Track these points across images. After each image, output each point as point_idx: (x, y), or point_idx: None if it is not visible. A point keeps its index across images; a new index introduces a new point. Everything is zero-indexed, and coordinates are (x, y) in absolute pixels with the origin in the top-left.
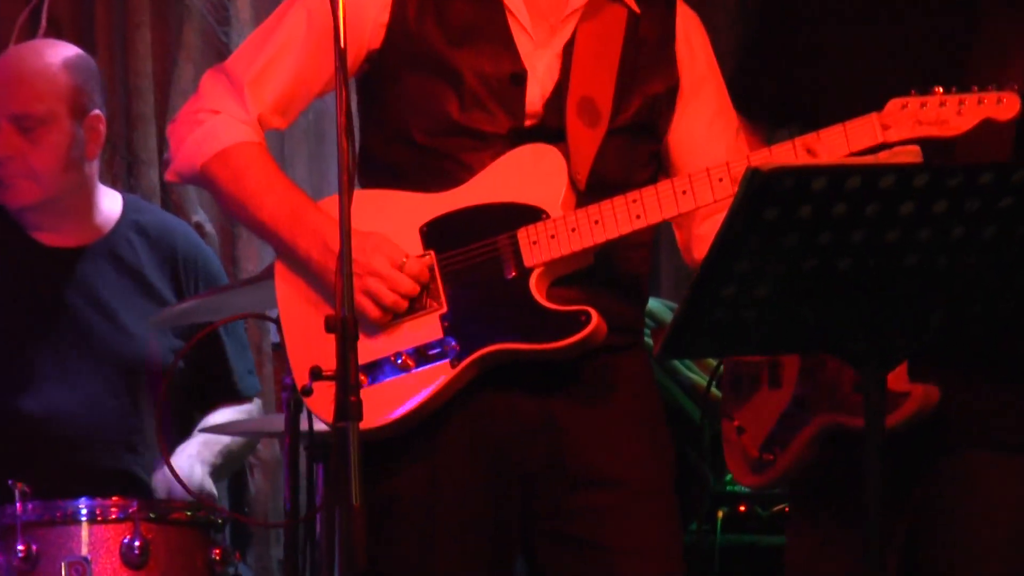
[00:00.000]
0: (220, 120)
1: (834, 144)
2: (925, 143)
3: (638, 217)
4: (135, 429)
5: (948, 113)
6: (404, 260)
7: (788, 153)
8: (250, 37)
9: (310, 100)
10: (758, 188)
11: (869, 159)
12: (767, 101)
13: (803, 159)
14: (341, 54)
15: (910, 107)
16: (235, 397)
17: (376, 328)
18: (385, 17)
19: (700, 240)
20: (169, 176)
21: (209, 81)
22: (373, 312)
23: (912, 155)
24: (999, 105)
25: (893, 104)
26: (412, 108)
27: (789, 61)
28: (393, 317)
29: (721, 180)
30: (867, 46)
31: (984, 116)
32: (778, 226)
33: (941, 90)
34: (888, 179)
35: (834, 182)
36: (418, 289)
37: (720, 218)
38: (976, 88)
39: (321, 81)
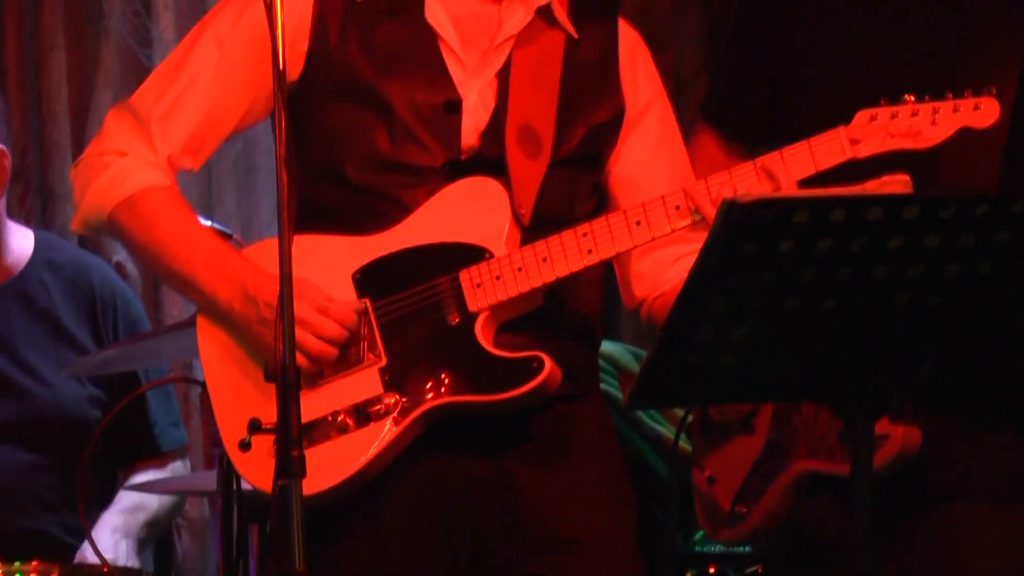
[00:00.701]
0: (127, 163)
1: (799, 163)
2: (902, 157)
3: (590, 252)
4: (49, 485)
5: (921, 123)
6: (328, 304)
7: (749, 174)
8: (156, 69)
9: (224, 138)
10: (735, 221)
11: (856, 189)
12: (749, 113)
13: (764, 182)
14: (280, 76)
15: (879, 118)
16: (157, 452)
17: (309, 385)
18: (304, 45)
19: (639, 278)
20: (75, 225)
21: (114, 120)
22: (300, 363)
23: (902, 185)
24: (976, 112)
25: (861, 116)
26: (338, 143)
27: (778, 63)
28: (325, 372)
29: (678, 208)
30: (861, 45)
31: (961, 124)
32: (757, 262)
33: (913, 98)
34: (876, 211)
35: (817, 215)
36: (345, 334)
37: (661, 254)
38: (951, 95)
39: (236, 116)
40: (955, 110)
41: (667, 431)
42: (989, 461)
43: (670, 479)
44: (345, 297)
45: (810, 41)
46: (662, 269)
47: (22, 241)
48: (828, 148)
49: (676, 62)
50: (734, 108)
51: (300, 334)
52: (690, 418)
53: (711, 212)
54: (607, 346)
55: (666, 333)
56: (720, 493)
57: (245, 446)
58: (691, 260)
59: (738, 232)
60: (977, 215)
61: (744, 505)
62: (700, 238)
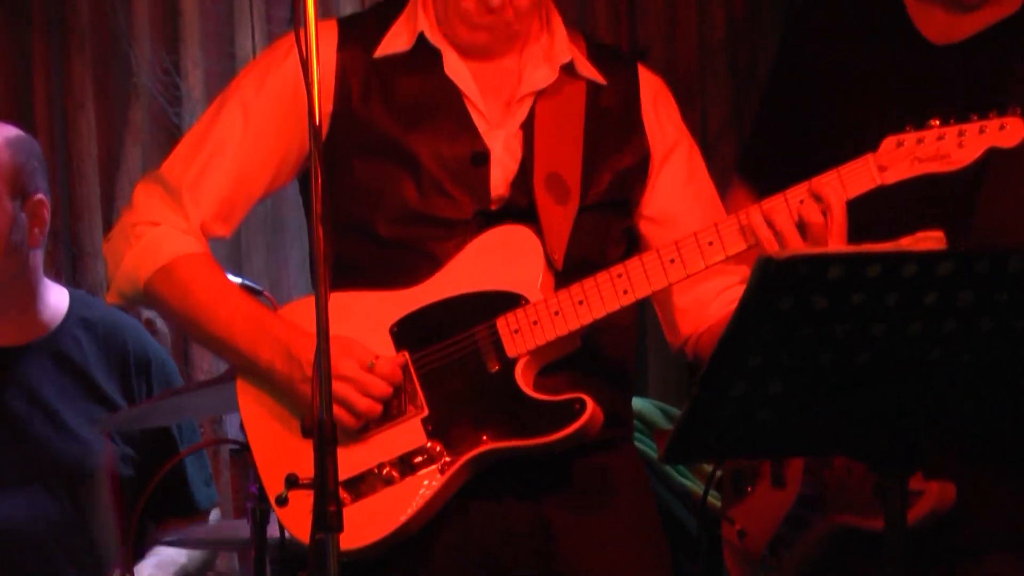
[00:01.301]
0: (160, 232)
1: (830, 191)
2: (942, 184)
3: (625, 292)
4: (78, 539)
5: (948, 146)
6: (374, 361)
7: (781, 206)
8: (184, 139)
9: (253, 202)
10: (771, 277)
11: (890, 245)
12: (781, 169)
13: (796, 209)
14: (315, 131)
15: (906, 144)
16: (191, 510)
17: (354, 439)
18: (328, 106)
19: (684, 314)
20: (110, 298)
21: (143, 191)
22: (347, 420)
23: (936, 241)
24: (1002, 131)
25: (888, 142)
26: (367, 199)
27: (807, 121)
28: (369, 425)
29: (711, 244)
30: (881, 91)
31: (988, 145)
32: (792, 317)
33: (938, 122)
34: (910, 267)
35: (852, 271)
36: (391, 391)
37: (703, 289)
38: (976, 116)
39: (264, 181)
40: (981, 131)
41: (695, 486)
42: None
43: (698, 532)
44: (383, 351)
45: (824, 99)
46: (706, 304)
47: (58, 298)
48: (858, 175)
49: (702, 120)
50: (767, 165)
51: (347, 392)
52: (719, 474)
53: (766, 233)
54: (636, 403)
55: (703, 388)
56: (751, 546)
57: (282, 501)
58: (734, 292)
59: (774, 287)
60: (1011, 271)
61: (776, 558)
62: (740, 270)
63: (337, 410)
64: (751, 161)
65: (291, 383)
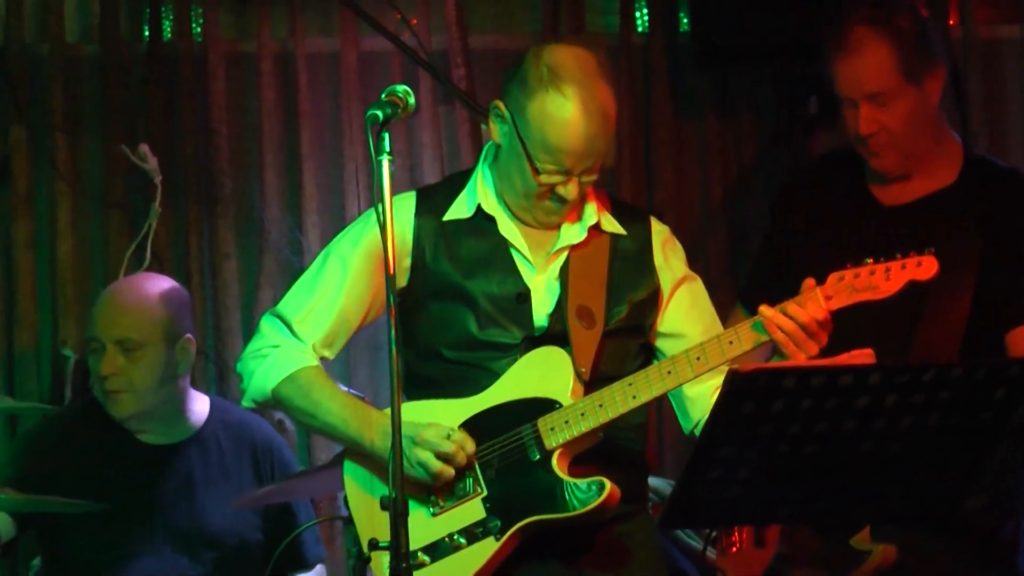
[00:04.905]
0: (282, 351)
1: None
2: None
3: (634, 397)
4: None
5: (878, 279)
6: (451, 431)
7: (747, 329)
8: (296, 284)
9: (351, 333)
10: (738, 386)
11: (829, 361)
12: (770, 296)
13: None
14: (391, 281)
15: (846, 278)
16: (304, 564)
17: (433, 514)
18: (408, 261)
19: (692, 403)
20: (244, 403)
21: (267, 323)
22: (426, 479)
23: (867, 357)
24: (919, 268)
25: (832, 277)
26: (439, 330)
27: (786, 262)
28: (442, 505)
29: (699, 359)
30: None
31: (908, 278)
32: (755, 418)
33: (872, 260)
34: (846, 378)
35: (801, 381)
36: (463, 455)
37: (707, 385)
38: (900, 256)
39: (359, 317)
40: (903, 267)
41: (697, 544)
42: (946, 569)
43: None
44: None
45: (802, 248)
46: (709, 396)
47: (201, 405)
48: (809, 303)
49: (705, 268)
50: (761, 295)
51: (426, 457)
52: (713, 534)
53: (776, 332)
54: (653, 481)
55: (686, 472)
56: None
57: (367, 559)
58: None
59: (740, 395)
60: (925, 380)
61: None
62: None
63: (418, 472)
64: (748, 292)
65: (385, 455)
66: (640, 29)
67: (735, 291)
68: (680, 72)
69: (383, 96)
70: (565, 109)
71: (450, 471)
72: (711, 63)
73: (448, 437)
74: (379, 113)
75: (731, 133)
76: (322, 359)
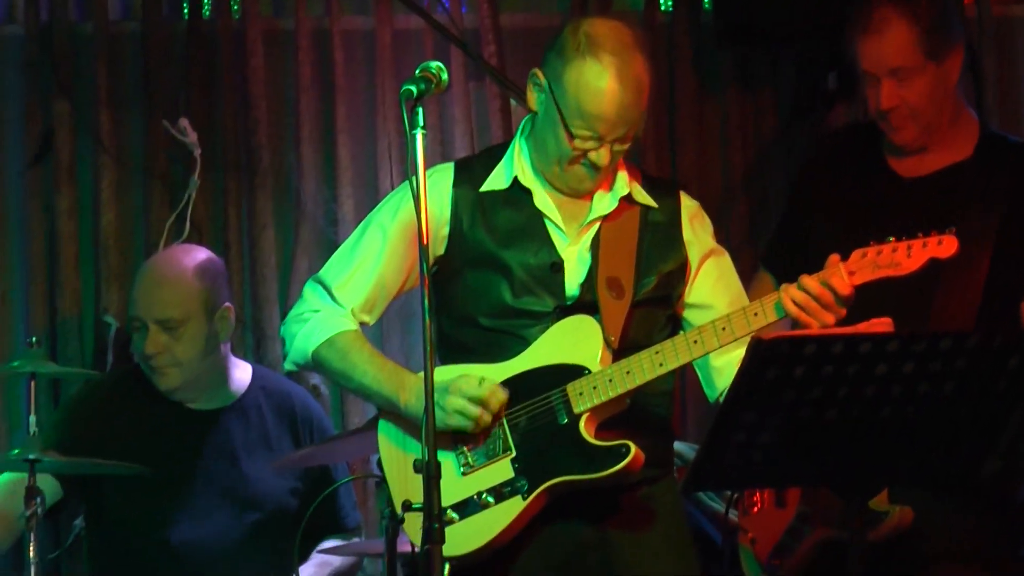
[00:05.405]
0: (323, 315)
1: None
2: (902, 312)
3: (661, 365)
4: (258, 549)
5: (900, 257)
6: (482, 379)
7: (771, 303)
8: (338, 251)
9: (390, 300)
10: (761, 353)
11: (850, 329)
12: (793, 262)
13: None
14: (423, 251)
15: (869, 255)
16: (341, 528)
17: (463, 473)
18: (445, 230)
19: (719, 373)
20: (286, 366)
21: (309, 289)
22: (464, 424)
23: (886, 326)
24: (940, 246)
25: (856, 254)
26: (475, 297)
27: (809, 229)
28: (472, 464)
29: (724, 329)
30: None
31: (929, 256)
32: (777, 384)
33: (893, 239)
34: (866, 346)
35: (822, 348)
36: (496, 400)
37: (729, 353)
38: (921, 234)
39: (397, 285)
40: (924, 246)
41: (720, 507)
42: (960, 528)
43: (723, 543)
44: None
45: (824, 217)
46: (735, 366)
47: (243, 373)
48: (834, 278)
49: (726, 238)
50: (783, 259)
51: (462, 404)
52: (736, 496)
53: (792, 307)
54: (677, 445)
55: (710, 436)
56: (760, 550)
57: (400, 519)
58: None
59: (763, 361)
60: (942, 348)
61: (778, 559)
62: None
63: (457, 419)
64: (772, 255)
65: (419, 415)
66: (664, 8)
67: (755, 259)
68: (703, 50)
69: (417, 72)
70: (602, 77)
71: (487, 416)
72: (733, 42)
73: (480, 384)
74: (413, 88)
75: (752, 109)
76: (362, 324)
